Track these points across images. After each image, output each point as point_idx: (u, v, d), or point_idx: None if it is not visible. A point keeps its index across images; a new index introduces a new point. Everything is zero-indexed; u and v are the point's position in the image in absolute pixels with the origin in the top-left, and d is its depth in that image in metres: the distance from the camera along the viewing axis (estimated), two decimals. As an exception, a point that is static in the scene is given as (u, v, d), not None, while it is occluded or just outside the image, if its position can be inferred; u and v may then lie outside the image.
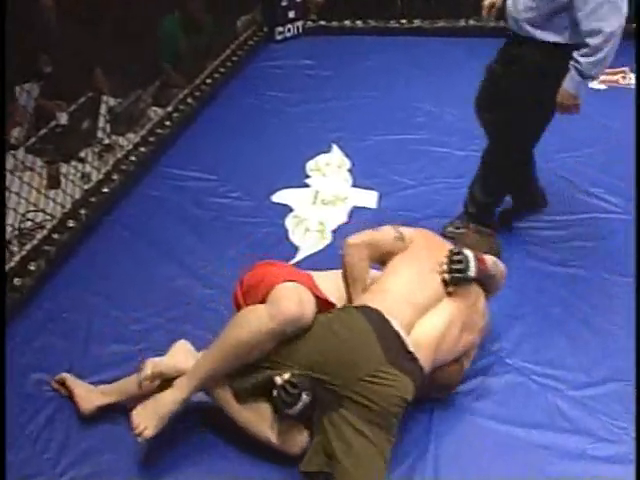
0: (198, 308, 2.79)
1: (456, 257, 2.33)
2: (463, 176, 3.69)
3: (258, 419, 2.20)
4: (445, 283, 2.33)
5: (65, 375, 2.41)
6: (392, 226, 2.47)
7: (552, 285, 3.00)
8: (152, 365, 2.20)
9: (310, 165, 3.77)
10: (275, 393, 2.12)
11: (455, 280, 2.32)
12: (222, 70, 4.64)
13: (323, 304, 2.27)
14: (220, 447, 2.27)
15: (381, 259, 2.43)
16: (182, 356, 2.25)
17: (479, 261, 2.36)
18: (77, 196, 3.27)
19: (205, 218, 3.34)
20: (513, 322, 2.80)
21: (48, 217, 3.11)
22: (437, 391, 2.40)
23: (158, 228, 3.26)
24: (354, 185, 3.64)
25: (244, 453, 2.24)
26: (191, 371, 2.18)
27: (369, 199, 3.52)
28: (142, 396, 2.19)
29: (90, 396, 2.33)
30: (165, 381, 2.20)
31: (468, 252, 2.36)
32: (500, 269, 2.51)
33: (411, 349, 2.17)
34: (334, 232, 3.27)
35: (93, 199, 3.31)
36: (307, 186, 3.61)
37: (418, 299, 2.28)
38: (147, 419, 2.11)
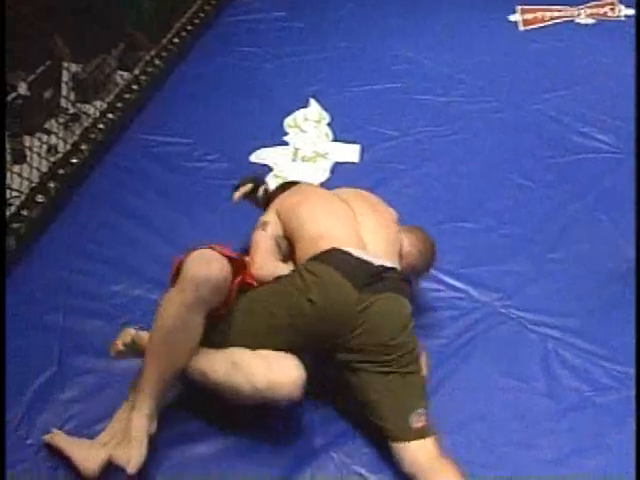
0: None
1: None
2: (446, 123, 3.62)
3: (219, 362, 2.04)
4: None
5: (56, 437, 2.06)
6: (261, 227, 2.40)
7: (546, 230, 2.92)
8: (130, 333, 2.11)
9: (288, 121, 3.62)
10: None
11: None
12: (189, 28, 4.44)
13: (238, 263, 2.15)
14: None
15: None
16: None
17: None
18: (44, 169, 3.12)
19: (181, 184, 3.20)
20: (506, 271, 2.73)
21: (15, 193, 2.96)
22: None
23: (132, 198, 3.11)
24: (335, 139, 3.52)
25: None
26: (140, 386, 2.02)
27: (351, 153, 3.40)
28: None
29: (91, 454, 1.98)
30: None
31: None
32: None
33: (378, 262, 2.15)
34: (317, 190, 3.15)
35: (62, 171, 3.15)
36: (286, 144, 3.47)
37: (351, 227, 2.27)
38: (126, 453, 1.93)
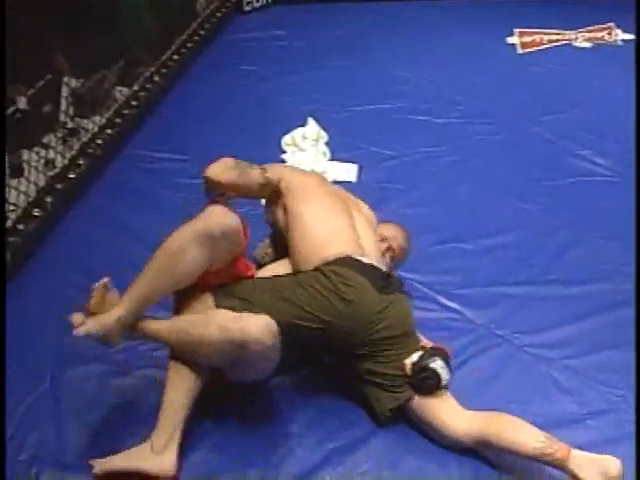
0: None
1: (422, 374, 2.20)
2: (444, 144, 3.63)
3: (198, 321, 2.10)
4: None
5: (102, 465, 2.03)
6: (260, 170, 2.48)
7: (542, 252, 2.92)
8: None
9: (286, 140, 3.63)
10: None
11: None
12: (189, 45, 4.46)
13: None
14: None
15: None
16: None
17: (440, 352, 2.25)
18: (42, 184, 3.12)
19: (176, 200, 3.18)
20: (502, 293, 2.73)
21: (12, 207, 2.95)
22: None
23: (129, 213, 3.11)
24: (332, 158, 3.52)
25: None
26: (127, 290, 2.10)
27: (349, 172, 3.41)
28: None
29: (157, 459, 2.03)
30: None
31: (435, 365, 2.19)
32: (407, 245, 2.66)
33: (385, 270, 2.34)
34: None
35: (59, 186, 3.16)
36: (283, 162, 3.47)
37: (352, 232, 2.37)
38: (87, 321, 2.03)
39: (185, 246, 2.09)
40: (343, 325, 2.18)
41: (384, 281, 2.28)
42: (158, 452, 2.02)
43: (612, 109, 3.73)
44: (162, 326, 2.13)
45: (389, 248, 2.56)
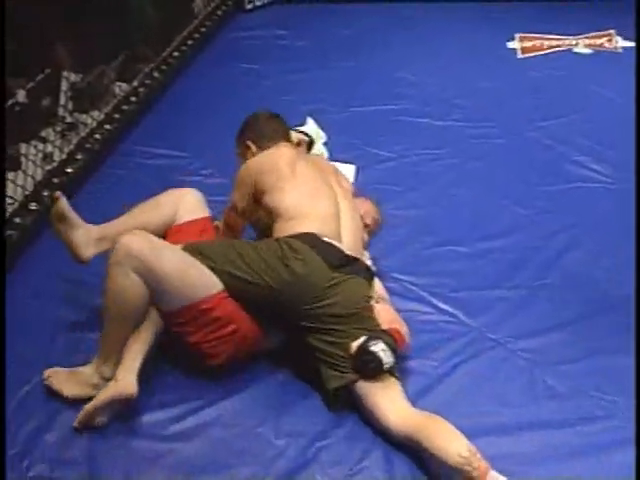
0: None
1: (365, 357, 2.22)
2: (443, 147, 3.63)
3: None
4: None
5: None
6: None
7: (537, 257, 2.92)
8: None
9: (284, 139, 3.62)
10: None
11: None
12: (190, 42, 4.48)
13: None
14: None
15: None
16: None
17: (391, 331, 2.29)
18: (39, 177, 3.13)
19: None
20: (497, 296, 2.72)
21: (9, 200, 2.95)
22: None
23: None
24: (331, 159, 3.51)
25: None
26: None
27: (347, 173, 3.37)
28: None
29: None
30: None
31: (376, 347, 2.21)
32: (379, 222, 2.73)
33: (348, 252, 2.37)
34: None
35: (56, 180, 3.17)
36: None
37: (331, 210, 2.45)
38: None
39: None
40: (287, 293, 2.25)
41: (341, 261, 2.33)
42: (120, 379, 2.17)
43: (611, 116, 3.73)
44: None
45: (365, 225, 2.65)
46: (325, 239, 2.36)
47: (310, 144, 2.90)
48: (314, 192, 2.47)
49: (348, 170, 3.40)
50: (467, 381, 2.37)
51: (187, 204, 2.62)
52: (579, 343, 2.54)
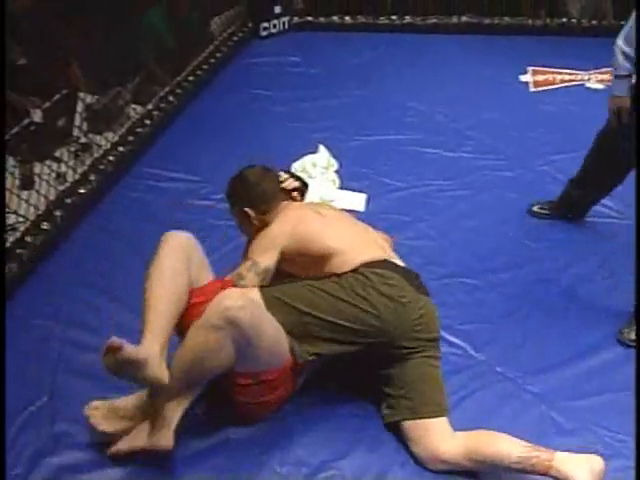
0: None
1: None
2: (454, 178, 3.63)
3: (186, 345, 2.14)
4: None
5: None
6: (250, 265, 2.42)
7: (546, 291, 2.92)
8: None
9: (296, 166, 3.63)
10: None
11: None
12: (205, 67, 4.51)
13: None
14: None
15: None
16: None
17: None
18: (52, 197, 3.15)
19: (186, 221, 3.19)
20: (505, 329, 2.72)
21: (21, 219, 2.97)
22: None
23: (137, 231, 3.12)
24: (342, 187, 3.53)
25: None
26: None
27: (357, 202, 3.41)
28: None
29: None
30: None
31: None
32: None
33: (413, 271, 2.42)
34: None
35: (69, 200, 3.19)
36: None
37: (364, 236, 2.47)
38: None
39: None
40: (392, 321, 2.26)
41: (417, 281, 2.39)
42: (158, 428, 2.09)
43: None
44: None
45: None
46: (395, 261, 2.40)
47: (303, 189, 2.75)
48: (349, 225, 2.51)
49: (358, 199, 3.42)
50: (473, 414, 2.36)
51: (194, 258, 2.40)
52: (587, 379, 2.53)
